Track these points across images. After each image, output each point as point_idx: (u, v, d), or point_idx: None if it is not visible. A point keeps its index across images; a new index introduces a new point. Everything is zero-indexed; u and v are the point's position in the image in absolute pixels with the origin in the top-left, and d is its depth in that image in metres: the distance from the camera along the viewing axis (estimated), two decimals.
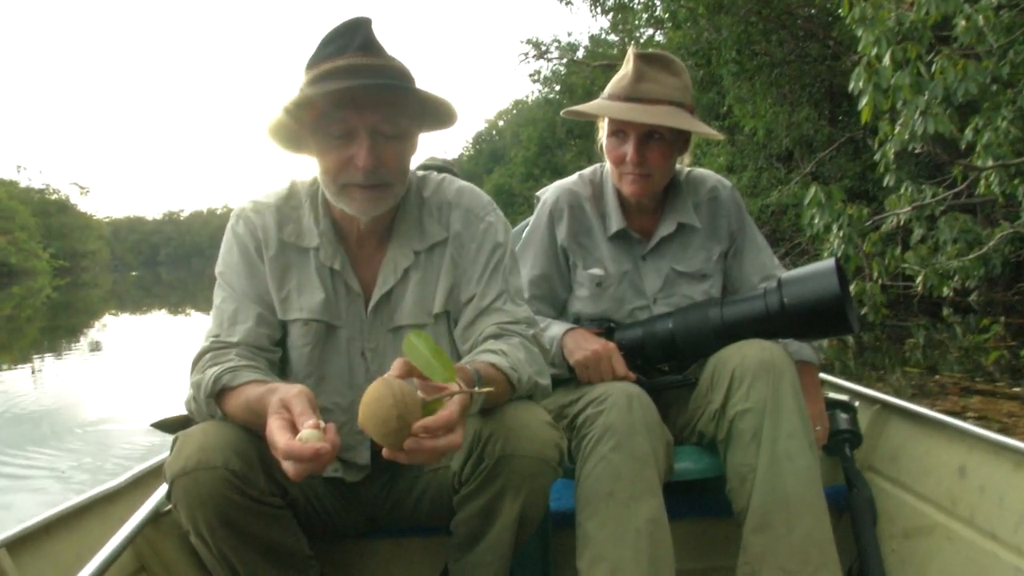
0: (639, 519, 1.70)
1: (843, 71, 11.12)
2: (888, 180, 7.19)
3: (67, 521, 1.82)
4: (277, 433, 1.30)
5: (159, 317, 24.08)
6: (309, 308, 1.73)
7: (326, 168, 1.64)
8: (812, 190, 7.38)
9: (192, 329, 18.90)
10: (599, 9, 20.81)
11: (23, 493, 5.37)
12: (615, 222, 2.19)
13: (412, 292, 1.76)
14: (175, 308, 27.58)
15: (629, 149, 2.06)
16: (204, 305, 28.79)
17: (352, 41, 1.56)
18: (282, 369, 1.79)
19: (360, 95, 1.55)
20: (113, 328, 20.16)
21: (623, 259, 2.21)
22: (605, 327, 2.15)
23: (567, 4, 20.67)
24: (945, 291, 7.37)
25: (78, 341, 16.46)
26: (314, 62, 1.59)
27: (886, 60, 5.99)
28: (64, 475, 5.73)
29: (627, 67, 2.09)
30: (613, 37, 28.10)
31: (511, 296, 1.77)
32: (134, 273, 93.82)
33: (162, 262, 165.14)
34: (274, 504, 1.58)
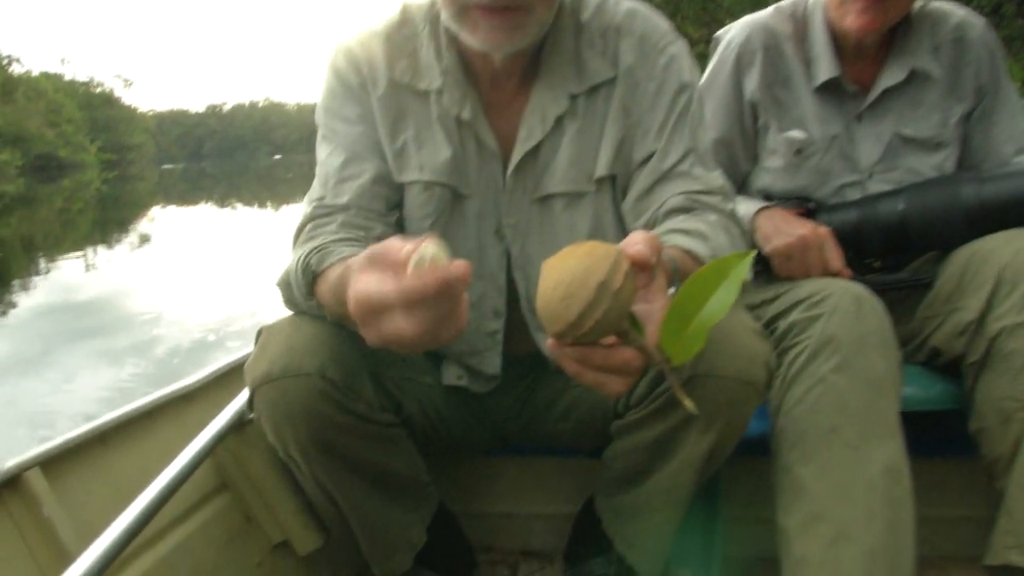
0: (873, 467, 1.27)
1: None
2: None
3: (125, 430, 1.52)
4: (372, 284, 0.79)
5: (205, 210, 24.11)
6: (432, 167, 1.32)
7: None
8: None
9: (239, 220, 18.88)
10: None
11: (76, 388, 5.29)
12: (824, 69, 1.69)
13: (566, 149, 1.32)
14: (221, 201, 27.62)
15: None
16: (250, 198, 28.94)
17: None
18: None
19: None
20: (161, 221, 20.23)
21: (832, 119, 1.72)
22: (804, 208, 1.71)
23: None
24: None
25: (128, 234, 16.50)
26: None
27: None
28: (120, 369, 5.65)
29: None
30: None
31: (700, 157, 1.33)
32: (167, 167, 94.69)
33: (207, 155, 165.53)
34: (384, 422, 1.27)
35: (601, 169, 1.31)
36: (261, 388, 1.16)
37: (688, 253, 1.11)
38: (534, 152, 1.31)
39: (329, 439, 1.19)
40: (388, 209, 1.33)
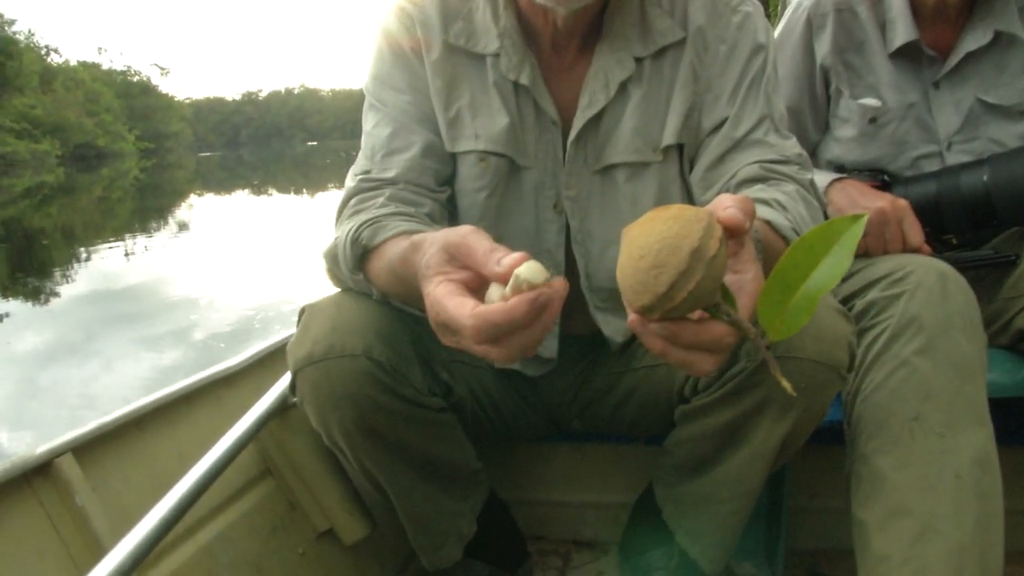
0: (961, 457, 1.16)
1: None
2: None
3: (163, 414, 1.46)
4: (449, 300, 0.78)
5: (242, 197, 24.30)
6: (488, 136, 1.23)
7: None
8: None
9: (275, 207, 19.00)
10: None
11: (117, 374, 5.32)
12: (902, 32, 1.57)
13: (631, 116, 1.21)
14: (258, 188, 27.84)
15: None
16: (286, 184, 29.13)
17: None
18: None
19: None
20: (199, 208, 20.41)
21: (908, 86, 1.60)
22: (879, 179, 1.58)
23: None
24: None
25: (167, 222, 16.65)
26: None
27: None
28: (160, 354, 5.67)
29: None
30: None
31: (776, 124, 1.22)
32: (204, 155, 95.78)
33: (243, 143, 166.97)
34: (433, 406, 1.20)
35: (668, 138, 1.22)
36: (304, 370, 1.10)
37: (768, 224, 1.02)
38: (596, 120, 1.22)
39: (375, 424, 1.13)
40: (439, 184, 1.26)
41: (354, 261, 1.09)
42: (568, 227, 1.27)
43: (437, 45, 1.24)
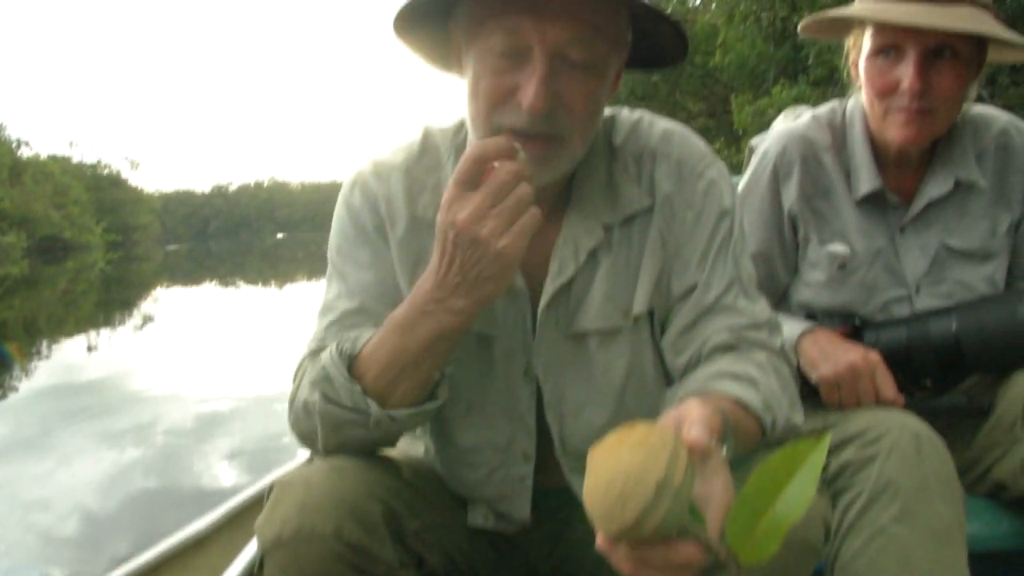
0: None
1: None
2: None
3: None
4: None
5: (209, 289, 24.16)
6: None
7: (476, 99, 1.11)
8: None
9: (240, 299, 18.91)
10: None
11: (75, 472, 5.21)
12: (866, 180, 1.60)
13: (601, 283, 1.22)
14: (225, 280, 27.70)
15: (907, 72, 1.46)
16: (253, 276, 29.00)
17: None
18: None
19: (540, 1, 1.04)
20: (165, 301, 20.25)
21: (875, 231, 1.63)
22: (849, 325, 1.60)
23: None
24: None
25: (131, 315, 16.48)
26: None
27: None
28: (120, 452, 5.57)
29: None
30: None
31: (744, 287, 1.23)
32: (172, 248, 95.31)
33: (212, 235, 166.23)
34: None
35: (639, 306, 1.23)
36: (272, 553, 1.07)
37: (739, 403, 1.06)
38: (566, 287, 1.23)
39: None
40: None
41: (347, 369, 1.10)
42: (540, 392, 1.26)
43: (402, 220, 1.24)
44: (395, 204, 1.25)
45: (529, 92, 1.05)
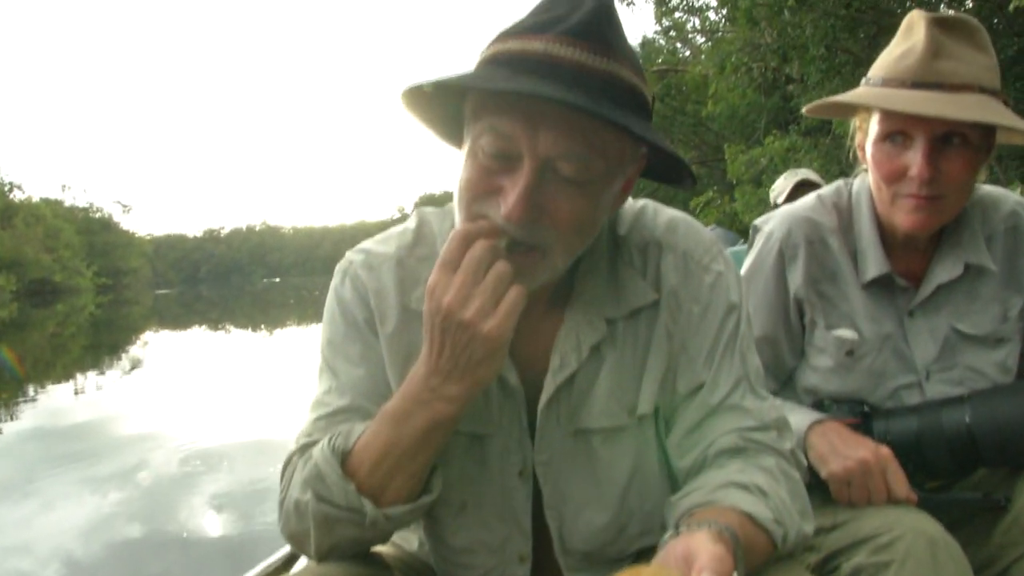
0: None
1: None
2: None
3: None
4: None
5: (199, 333, 24.10)
6: None
7: (462, 188, 1.08)
8: None
9: (230, 343, 18.84)
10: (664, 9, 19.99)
11: (58, 517, 5.15)
12: (874, 264, 1.55)
13: (606, 380, 1.17)
14: (215, 324, 27.64)
15: (916, 159, 1.41)
16: (243, 321, 28.94)
17: (571, 14, 1.01)
18: None
19: (537, 109, 0.99)
20: (154, 345, 20.17)
21: (883, 316, 1.58)
22: (858, 413, 1.54)
23: (628, 4, 19.27)
24: None
25: (119, 358, 16.41)
26: (511, 31, 1.05)
27: None
28: (103, 497, 5.51)
29: (914, 37, 1.45)
30: (662, 41, 27.37)
31: (752, 385, 1.18)
32: (162, 292, 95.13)
33: (203, 279, 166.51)
34: None
35: (644, 405, 1.17)
36: None
37: (749, 518, 1.03)
38: (568, 382, 1.17)
39: None
40: None
41: (340, 466, 1.06)
42: (539, 492, 1.20)
43: (393, 314, 1.20)
44: (386, 298, 1.20)
45: (510, 200, 1.00)
